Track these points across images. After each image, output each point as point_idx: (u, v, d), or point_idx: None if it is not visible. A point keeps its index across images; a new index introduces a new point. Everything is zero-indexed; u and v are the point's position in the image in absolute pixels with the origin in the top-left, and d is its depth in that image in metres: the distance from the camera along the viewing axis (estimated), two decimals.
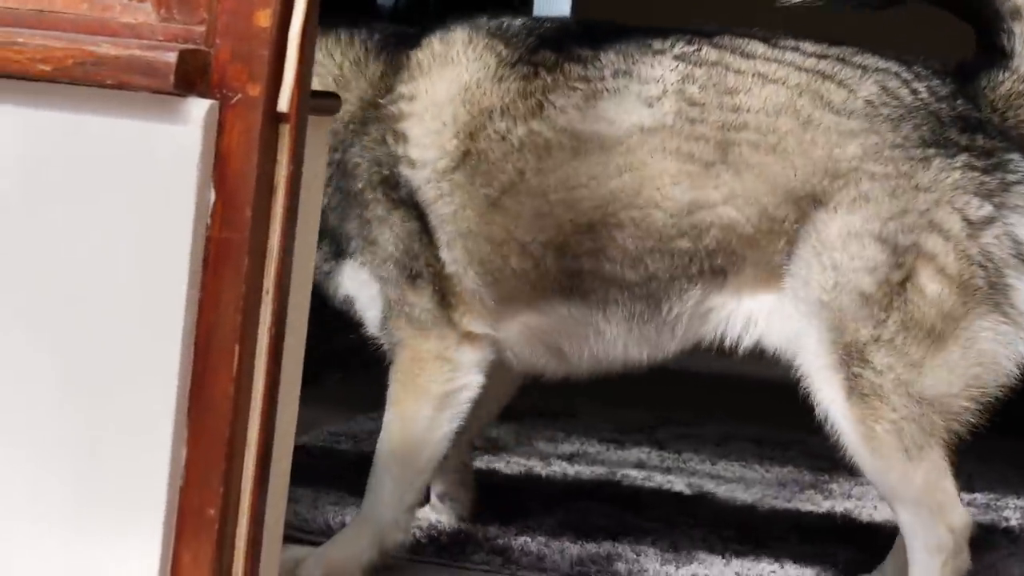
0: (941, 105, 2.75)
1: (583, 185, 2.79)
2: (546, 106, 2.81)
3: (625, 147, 2.77)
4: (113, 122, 2.08)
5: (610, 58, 2.82)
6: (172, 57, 2.04)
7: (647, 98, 2.79)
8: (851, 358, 2.72)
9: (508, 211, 2.82)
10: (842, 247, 2.71)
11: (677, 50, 2.83)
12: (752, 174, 2.76)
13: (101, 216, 2.09)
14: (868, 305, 2.70)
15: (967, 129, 2.73)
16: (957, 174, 2.70)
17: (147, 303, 2.10)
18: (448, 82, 2.85)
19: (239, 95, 2.08)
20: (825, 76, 2.78)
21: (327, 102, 2.34)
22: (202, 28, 2.09)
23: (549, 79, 2.82)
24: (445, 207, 2.84)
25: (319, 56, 2.86)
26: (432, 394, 2.91)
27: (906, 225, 2.70)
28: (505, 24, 2.91)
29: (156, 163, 2.08)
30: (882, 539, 3.40)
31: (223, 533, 2.12)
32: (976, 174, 2.71)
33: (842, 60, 2.79)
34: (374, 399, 4.40)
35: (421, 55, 2.90)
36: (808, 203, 2.74)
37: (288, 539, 2.88)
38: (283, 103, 2.09)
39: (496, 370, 3.03)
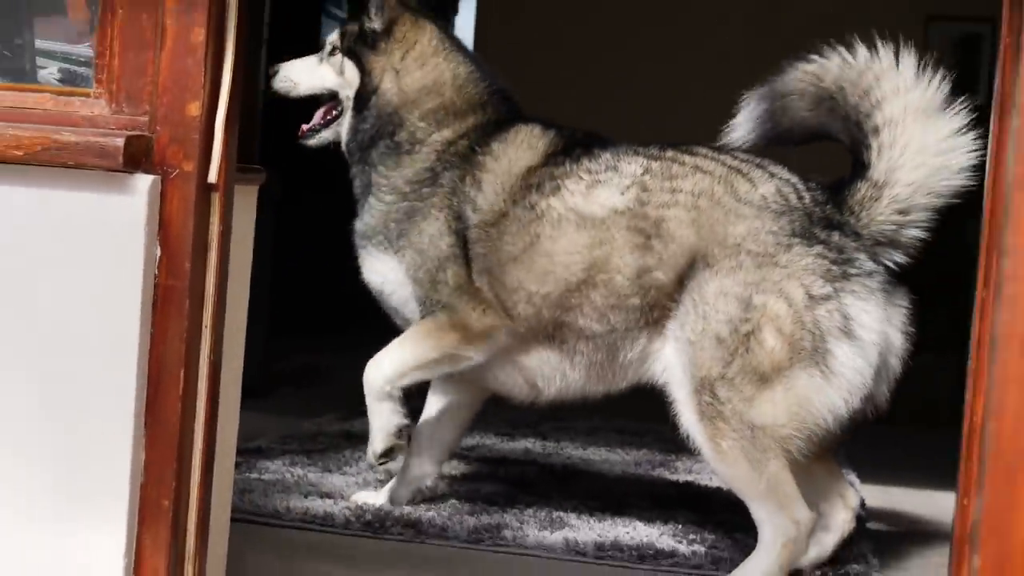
0: (815, 208, 2.99)
1: (578, 252, 3.07)
2: (562, 188, 3.12)
3: (606, 225, 3.06)
4: (75, 196, 2.17)
5: (607, 156, 3.14)
6: (121, 142, 2.13)
7: (622, 187, 3.09)
8: (703, 389, 2.93)
9: (522, 264, 3.09)
10: (713, 302, 2.95)
11: (650, 152, 3.13)
12: (675, 243, 3.01)
13: (69, 271, 2.17)
14: (721, 348, 2.92)
15: (828, 227, 2.97)
16: (810, 259, 2.93)
17: (108, 339, 2.17)
18: (522, 161, 3.16)
19: (177, 171, 2.17)
20: (740, 173, 3.06)
21: (251, 175, 2.45)
22: (146, 118, 2.18)
23: (568, 168, 3.13)
24: (479, 249, 3.12)
25: (476, 96, 3.25)
26: (451, 338, 3.13)
27: (761, 289, 2.93)
28: (569, 130, 3.22)
29: (111, 227, 2.16)
30: (715, 503, 3.59)
31: (176, 520, 2.20)
32: (825, 262, 2.93)
33: (758, 166, 3.07)
34: (320, 408, 4.59)
35: (517, 132, 3.19)
36: (700, 261, 2.98)
37: (242, 522, 3.03)
38: (212, 176, 2.18)
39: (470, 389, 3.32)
